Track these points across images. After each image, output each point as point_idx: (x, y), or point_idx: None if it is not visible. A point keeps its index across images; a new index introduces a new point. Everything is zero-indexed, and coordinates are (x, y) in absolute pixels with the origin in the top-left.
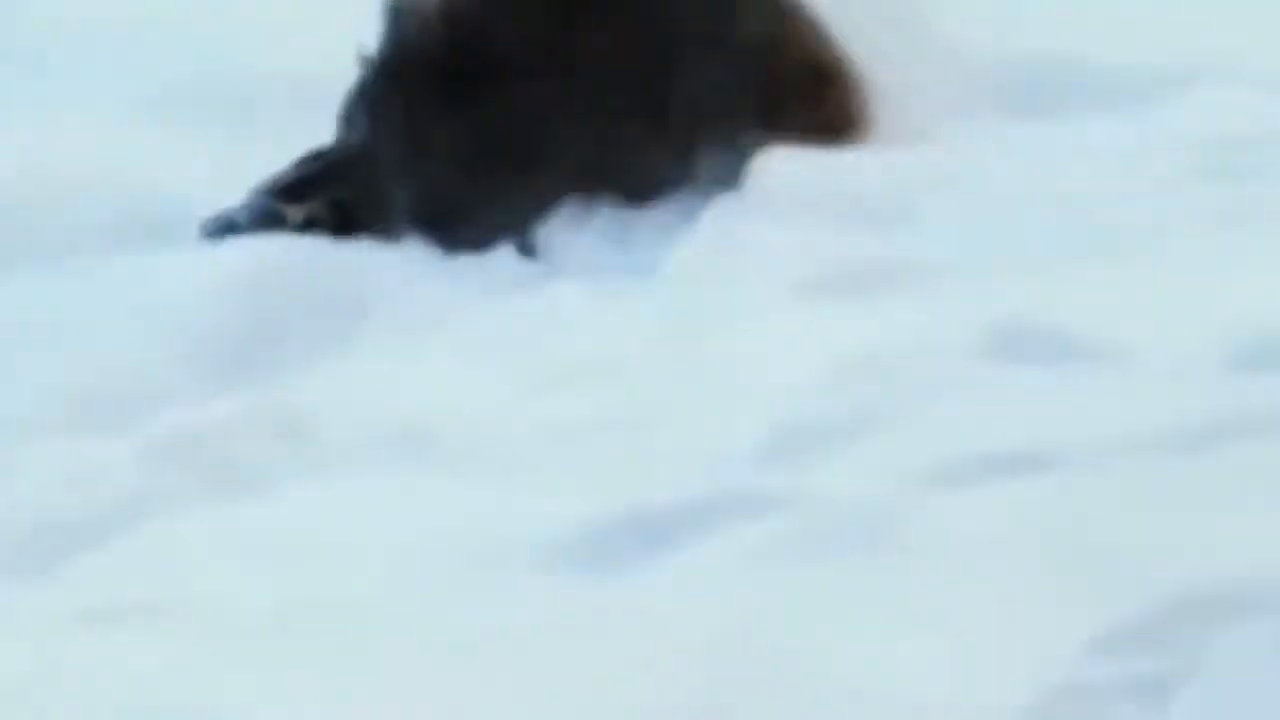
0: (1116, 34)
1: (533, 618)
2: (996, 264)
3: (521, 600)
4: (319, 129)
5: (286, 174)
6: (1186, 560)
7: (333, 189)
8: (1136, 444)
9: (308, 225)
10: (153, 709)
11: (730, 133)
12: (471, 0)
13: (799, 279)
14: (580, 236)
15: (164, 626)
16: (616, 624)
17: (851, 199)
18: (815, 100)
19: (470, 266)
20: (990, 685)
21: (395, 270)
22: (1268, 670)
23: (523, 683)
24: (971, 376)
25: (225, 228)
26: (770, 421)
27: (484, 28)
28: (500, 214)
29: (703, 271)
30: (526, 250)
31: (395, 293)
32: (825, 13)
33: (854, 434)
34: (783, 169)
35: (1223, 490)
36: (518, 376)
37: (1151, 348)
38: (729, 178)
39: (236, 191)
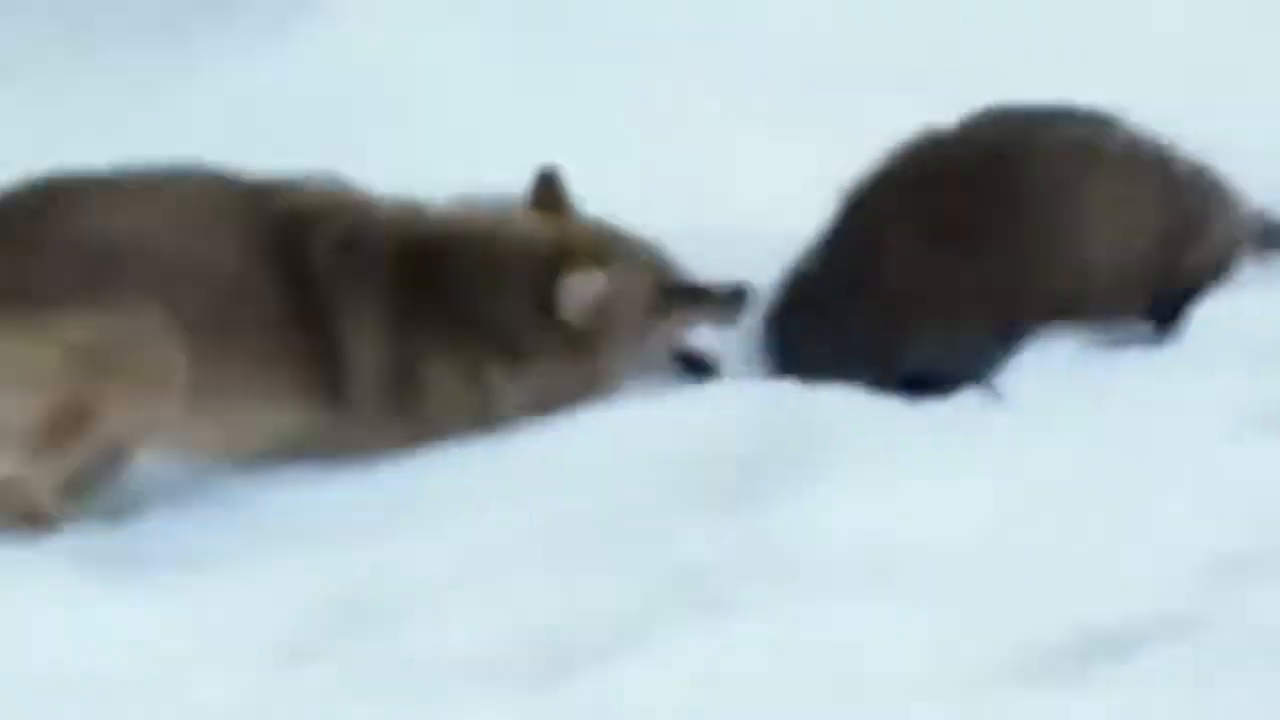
0: None
1: None
2: None
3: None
4: None
5: None
6: None
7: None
8: None
9: None
10: None
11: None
12: None
13: (1234, 415)
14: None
15: None
16: None
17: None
18: None
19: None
20: None
21: (857, 406)
22: None
23: None
24: None
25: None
26: (1206, 549)
27: None
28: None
29: (1147, 403)
30: (990, 392)
31: (861, 426)
32: None
33: None
34: (1215, 311)
35: None
36: (977, 504)
37: None
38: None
39: None
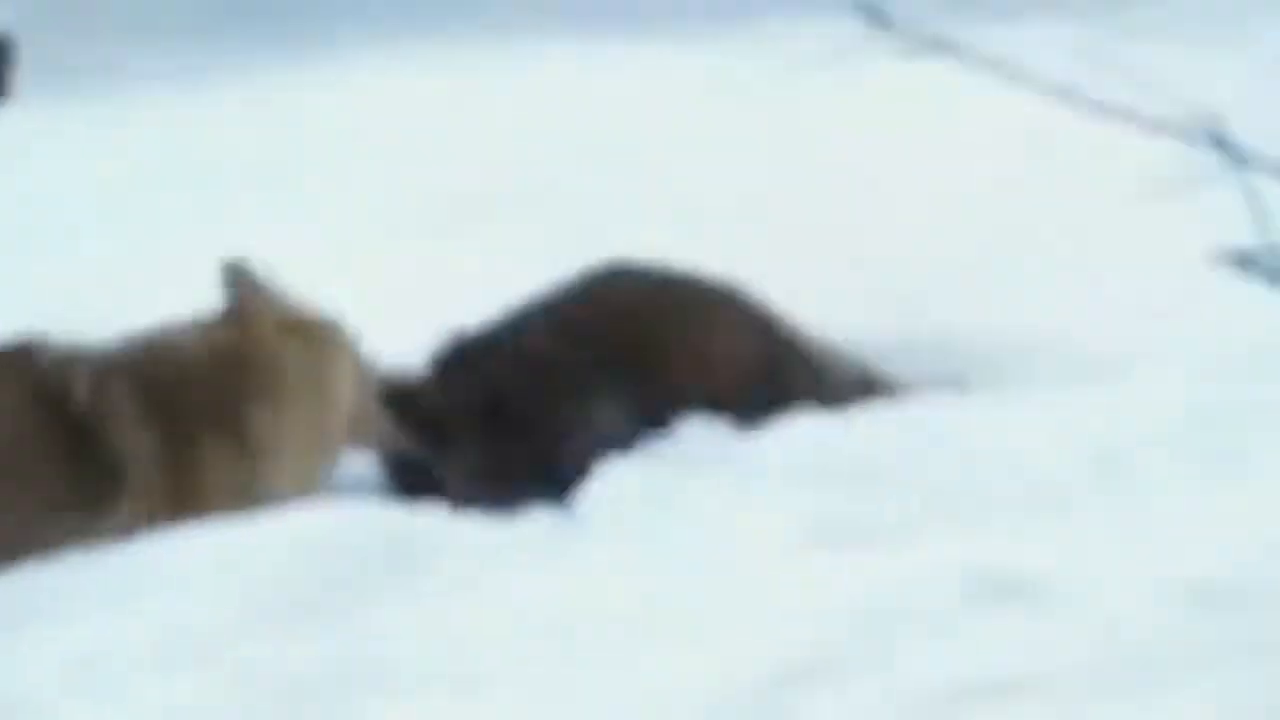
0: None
1: None
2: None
3: None
4: None
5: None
6: None
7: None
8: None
9: None
10: None
11: None
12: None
13: (798, 529)
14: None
15: None
16: None
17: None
18: None
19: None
20: None
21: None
22: None
23: None
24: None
25: None
26: (771, 660)
27: None
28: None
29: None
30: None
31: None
32: None
33: (847, 672)
34: (777, 436)
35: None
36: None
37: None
38: None
39: None
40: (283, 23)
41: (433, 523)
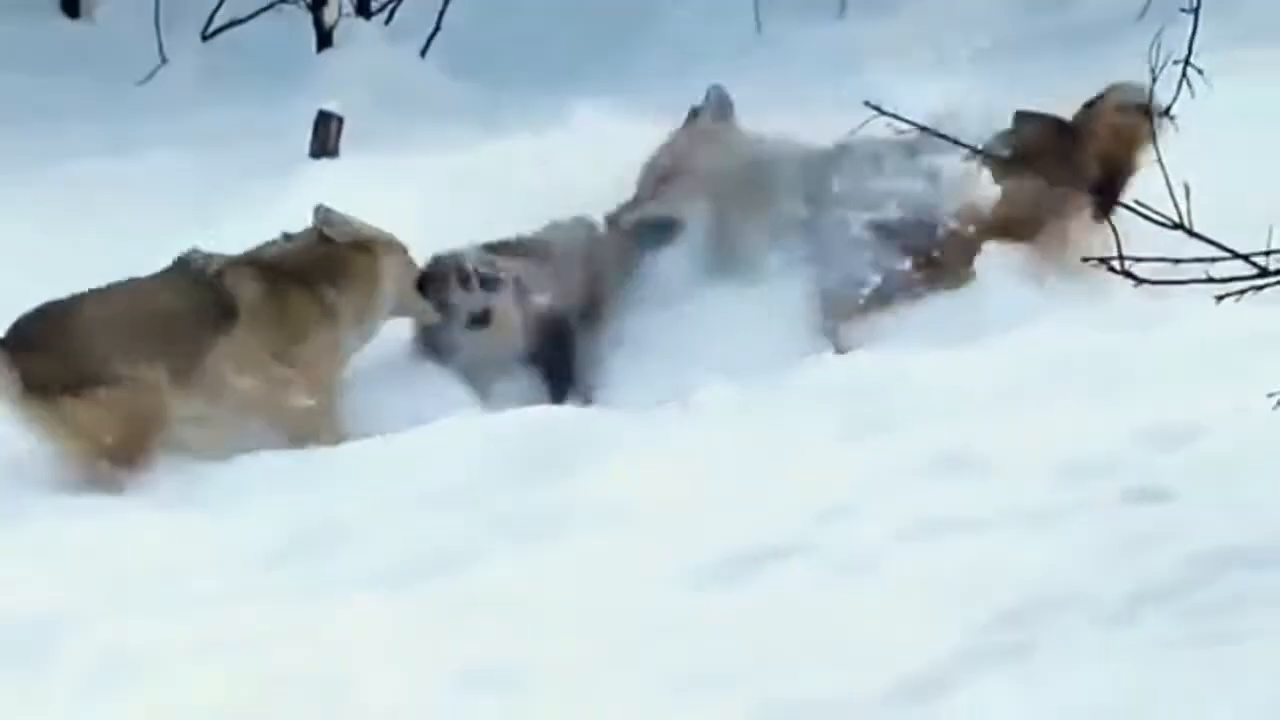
0: None
1: None
2: None
3: None
4: None
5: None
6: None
7: None
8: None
9: None
10: None
11: None
12: None
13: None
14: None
15: None
16: None
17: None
18: None
19: None
20: None
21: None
22: None
23: None
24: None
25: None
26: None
27: None
28: None
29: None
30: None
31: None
32: None
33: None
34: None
35: None
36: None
37: None
38: None
39: None
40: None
41: (591, 414)
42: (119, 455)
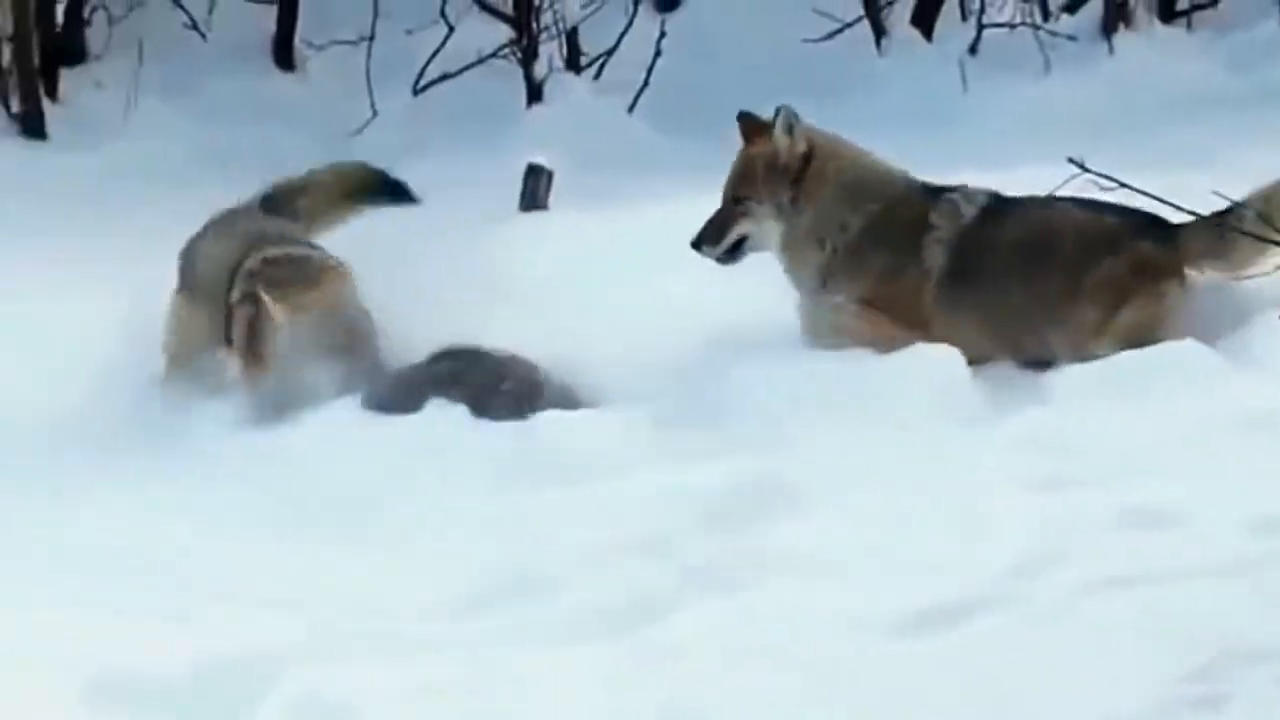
0: None
1: None
2: None
3: None
4: None
5: None
6: None
7: None
8: None
9: None
10: None
11: None
12: None
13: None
14: None
15: None
16: None
17: None
18: None
19: None
20: None
21: None
22: None
23: None
24: None
25: None
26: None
27: None
28: None
29: None
30: None
31: None
32: None
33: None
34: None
35: None
36: None
37: None
38: None
39: None
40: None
41: (782, 465)
42: None
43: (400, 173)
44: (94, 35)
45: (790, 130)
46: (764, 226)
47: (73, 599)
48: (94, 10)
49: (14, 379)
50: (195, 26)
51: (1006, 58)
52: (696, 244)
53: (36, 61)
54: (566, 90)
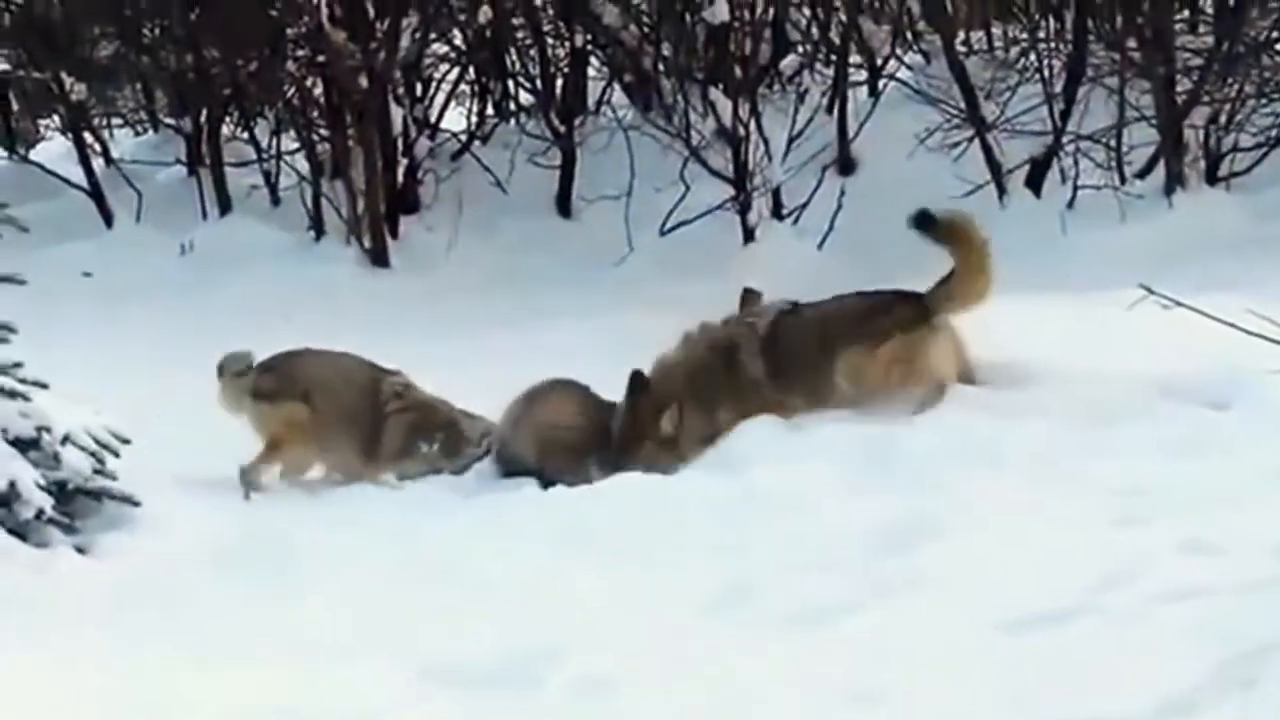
0: None
1: None
2: None
3: None
4: None
5: None
6: None
7: None
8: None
9: None
10: None
11: None
12: None
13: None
14: None
15: None
16: None
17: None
18: None
19: None
20: None
21: None
22: None
23: None
24: None
25: None
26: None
27: None
28: None
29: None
30: None
31: None
32: None
33: None
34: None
35: None
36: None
37: None
38: None
39: None
40: None
41: (930, 499)
42: None
43: (647, 293)
44: (425, 190)
45: None
46: None
47: (401, 601)
48: (426, 172)
49: None
50: (499, 184)
51: (1094, 210)
52: None
53: (383, 209)
54: (773, 232)
